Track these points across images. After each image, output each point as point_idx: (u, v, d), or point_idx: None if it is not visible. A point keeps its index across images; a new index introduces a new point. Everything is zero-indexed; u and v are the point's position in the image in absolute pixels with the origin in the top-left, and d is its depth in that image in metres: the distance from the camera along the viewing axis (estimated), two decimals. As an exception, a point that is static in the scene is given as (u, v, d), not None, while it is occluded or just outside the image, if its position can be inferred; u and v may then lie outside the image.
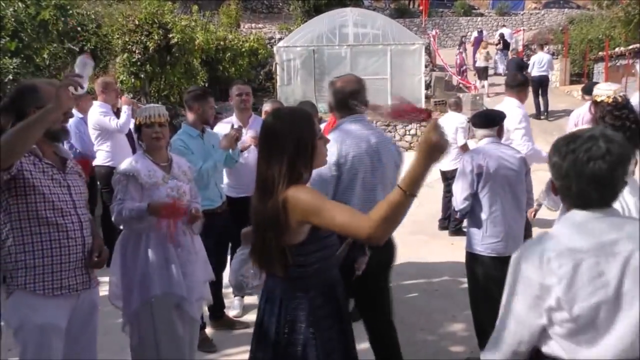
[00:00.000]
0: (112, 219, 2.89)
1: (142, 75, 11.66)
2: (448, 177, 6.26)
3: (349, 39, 14.06)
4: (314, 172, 2.01)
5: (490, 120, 3.46)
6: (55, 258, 2.37)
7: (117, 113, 5.49)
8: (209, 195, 3.76)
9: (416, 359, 3.57)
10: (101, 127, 5.34)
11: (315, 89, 13.73)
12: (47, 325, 2.35)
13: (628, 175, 2.74)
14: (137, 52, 11.42)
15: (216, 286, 4.00)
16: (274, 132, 1.92)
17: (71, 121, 3.75)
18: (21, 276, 2.34)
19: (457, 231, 6.35)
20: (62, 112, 2.24)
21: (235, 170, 4.16)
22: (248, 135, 4.05)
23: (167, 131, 2.99)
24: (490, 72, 16.63)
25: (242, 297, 4.31)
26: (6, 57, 7.18)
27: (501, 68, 17.37)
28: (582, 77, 16.04)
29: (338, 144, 2.78)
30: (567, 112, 10.98)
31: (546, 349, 1.57)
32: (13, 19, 7.53)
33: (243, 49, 15.17)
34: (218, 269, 3.85)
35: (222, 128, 4.20)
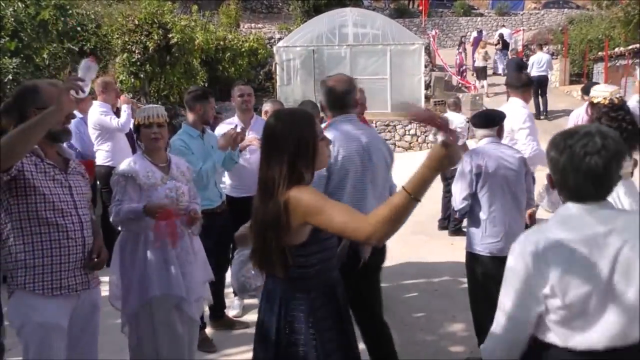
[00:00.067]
0: (110, 219, 2.90)
1: (142, 75, 11.66)
2: (447, 177, 6.26)
3: (348, 39, 14.07)
4: None
5: (490, 121, 3.46)
6: (55, 258, 2.37)
7: (117, 113, 5.49)
8: (209, 195, 3.76)
9: (416, 359, 3.58)
10: (102, 127, 5.35)
11: (315, 89, 13.70)
12: (47, 324, 2.36)
13: (626, 177, 2.77)
14: (136, 52, 11.43)
15: (218, 286, 4.01)
16: (274, 133, 1.92)
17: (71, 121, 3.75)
18: (21, 276, 2.35)
19: (457, 231, 6.35)
20: (62, 116, 2.24)
21: (237, 171, 4.16)
22: (251, 136, 4.05)
23: (165, 132, 2.99)
24: (490, 72, 16.64)
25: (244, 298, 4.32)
26: (6, 57, 7.18)
27: (500, 68, 17.38)
28: (581, 77, 16.05)
29: None
30: (566, 112, 10.99)
31: (542, 336, 1.63)
32: (13, 19, 7.53)
33: (243, 49, 15.18)
34: (220, 269, 3.86)
35: (224, 129, 4.19)
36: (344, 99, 2.94)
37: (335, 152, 2.80)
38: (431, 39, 17.90)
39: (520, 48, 18.49)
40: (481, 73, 15.70)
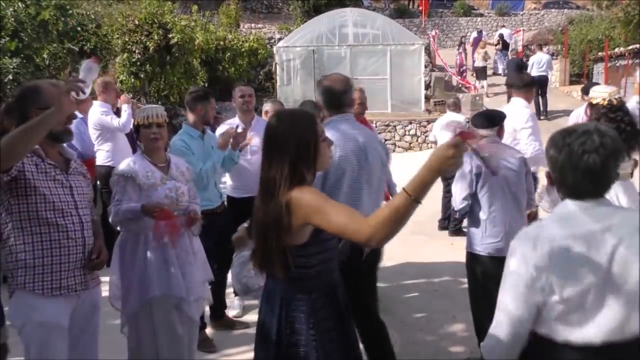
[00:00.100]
0: (109, 219, 2.89)
1: (142, 75, 11.67)
2: (447, 177, 6.25)
3: (348, 39, 14.07)
4: None
5: (490, 121, 3.46)
6: (54, 258, 2.37)
7: (117, 113, 5.50)
8: (208, 195, 3.77)
9: (416, 359, 3.58)
10: (103, 127, 5.35)
11: (315, 89, 13.74)
12: (48, 324, 2.36)
13: (625, 178, 2.78)
14: (136, 52, 11.43)
15: (219, 286, 4.01)
16: (275, 134, 1.93)
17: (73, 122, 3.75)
18: (21, 275, 2.35)
19: (457, 231, 6.35)
20: (63, 117, 2.24)
21: (238, 172, 4.16)
22: (249, 134, 4.05)
23: (165, 132, 2.99)
24: (490, 72, 16.64)
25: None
26: (6, 57, 7.18)
27: (501, 68, 17.38)
28: (581, 77, 16.06)
29: None
30: (566, 112, 10.98)
31: (541, 331, 1.65)
32: (13, 19, 7.54)
33: (243, 49, 15.19)
34: (221, 269, 3.86)
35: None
36: (340, 98, 2.94)
37: (332, 152, 2.80)
38: (431, 39, 17.90)
39: (520, 48, 18.49)
40: (481, 73, 15.69)
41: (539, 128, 4.29)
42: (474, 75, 16.08)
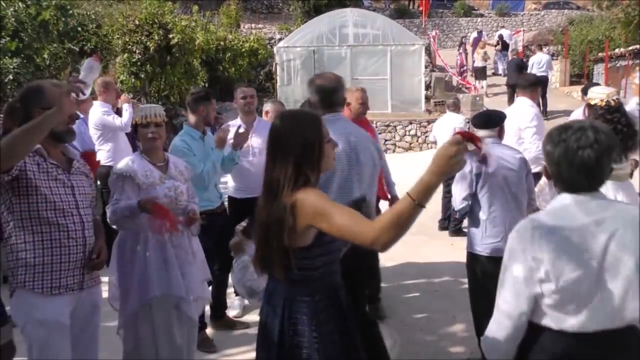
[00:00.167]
0: (107, 218, 2.89)
1: (142, 76, 11.68)
2: (447, 178, 6.25)
3: (349, 40, 14.08)
4: None
5: (490, 121, 3.46)
6: (55, 257, 2.38)
7: (117, 113, 5.50)
8: (208, 196, 3.77)
9: (416, 359, 3.58)
10: (104, 127, 5.36)
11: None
12: (48, 322, 2.37)
13: (625, 178, 2.78)
14: (137, 52, 11.44)
15: (219, 286, 4.01)
16: (279, 135, 1.92)
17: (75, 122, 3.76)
18: (21, 274, 2.36)
19: (457, 231, 6.36)
20: (63, 117, 2.24)
21: (240, 173, 4.17)
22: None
23: (163, 131, 2.98)
24: (490, 72, 16.64)
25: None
26: (6, 57, 7.19)
27: (501, 69, 17.39)
28: (582, 78, 16.07)
29: None
30: (566, 113, 10.99)
31: (538, 320, 1.71)
32: (13, 19, 7.55)
33: (243, 49, 15.20)
34: (222, 269, 3.86)
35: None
36: (331, 97, 2.94)
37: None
38: (431, 40, 17.90)
39: (520, 49, 18.49)
40: (480, 73, 15.69)
41: (544, 127, 4.30)
42: (474, 75, 16.09)
